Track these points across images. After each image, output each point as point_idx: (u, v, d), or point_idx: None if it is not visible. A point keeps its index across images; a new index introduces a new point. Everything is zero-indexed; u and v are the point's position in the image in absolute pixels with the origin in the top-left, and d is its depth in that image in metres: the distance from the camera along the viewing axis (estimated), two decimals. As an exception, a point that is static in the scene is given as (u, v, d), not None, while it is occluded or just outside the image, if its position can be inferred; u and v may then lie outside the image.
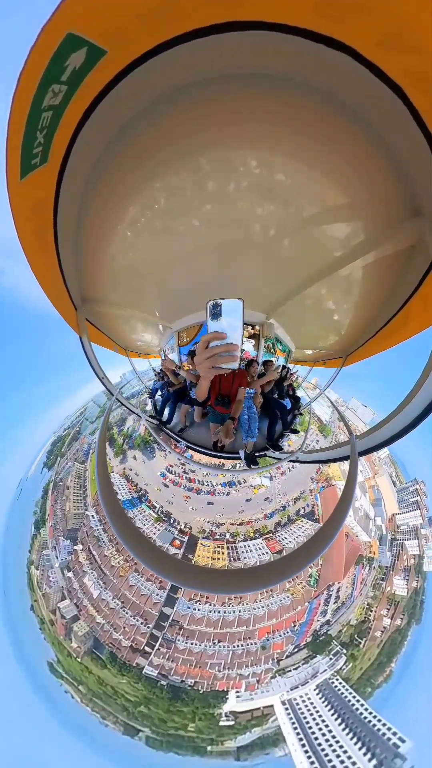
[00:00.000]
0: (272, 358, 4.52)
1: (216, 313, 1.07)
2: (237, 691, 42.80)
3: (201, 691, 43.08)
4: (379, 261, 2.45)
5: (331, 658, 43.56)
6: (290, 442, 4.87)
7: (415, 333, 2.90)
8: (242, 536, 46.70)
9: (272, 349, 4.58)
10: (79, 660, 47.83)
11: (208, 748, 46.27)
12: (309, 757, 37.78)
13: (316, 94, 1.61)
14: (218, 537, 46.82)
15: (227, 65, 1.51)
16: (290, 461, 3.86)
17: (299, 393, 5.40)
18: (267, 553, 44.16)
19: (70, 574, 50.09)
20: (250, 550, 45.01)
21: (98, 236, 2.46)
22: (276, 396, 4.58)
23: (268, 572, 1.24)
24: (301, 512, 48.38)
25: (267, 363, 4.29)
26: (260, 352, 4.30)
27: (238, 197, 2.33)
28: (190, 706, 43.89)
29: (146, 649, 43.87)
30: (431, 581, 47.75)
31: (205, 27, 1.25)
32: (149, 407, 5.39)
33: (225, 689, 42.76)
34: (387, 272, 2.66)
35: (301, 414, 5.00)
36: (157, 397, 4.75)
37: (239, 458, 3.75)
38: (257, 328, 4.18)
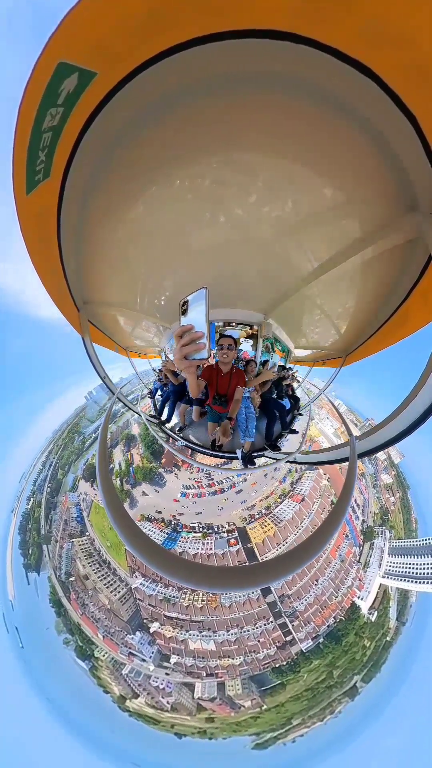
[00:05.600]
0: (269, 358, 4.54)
1: (185, 310, 1.06)
2: (357, 596, 55.89)
3: (343, 620, 54.00)
4: (377, 257, 2.43)
5: (380, 535, 64.24)
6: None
7: (416, 329, 2.88)
8: (273, 504, 57.62)
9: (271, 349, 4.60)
10: (267, 708, 45.50)
11: (388, 638, 61.48)
12: (423, 582, 57.79)
13: (307, 94, 1.63)
14: (257, 516, 56.48)
15: (215, 72, 1.54)
16: (288, 461, 3.91)
17: (299, 393, 5.43)
18: (296, 505, 55.96)
19: (173, 659, 40.99)
20: (284, 510, 55.43)
21: (99, 241, 2.52)
22: (275, 396, 4.62)
23: (284, 564, 1.29)
24: (304, 468, 59.07)
25: (264, 363, 4.33)
26: (258, 351, 4.34)
27: (236, 198, 2.35)
28: (351, 633, 54.74)
29: (287, 639, 46.62)
30: (402, 467, 78.29)
31: (187, 41, 1.29)
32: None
33: (351, 602, 54.82)
34: (385, 268, 2.64)
35: (300, 414, 5.02)
36: (157, 396, 4.83)
37: (237, 457, 3.81)
38: (255, 328, 4.22)
